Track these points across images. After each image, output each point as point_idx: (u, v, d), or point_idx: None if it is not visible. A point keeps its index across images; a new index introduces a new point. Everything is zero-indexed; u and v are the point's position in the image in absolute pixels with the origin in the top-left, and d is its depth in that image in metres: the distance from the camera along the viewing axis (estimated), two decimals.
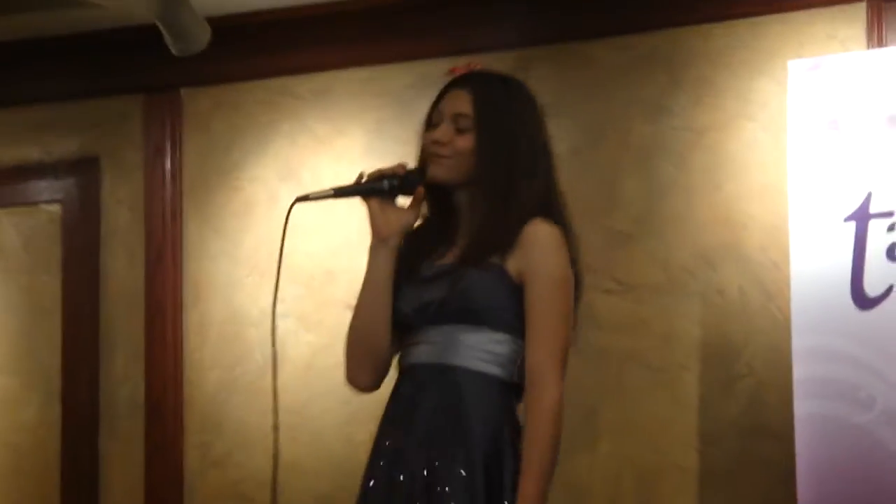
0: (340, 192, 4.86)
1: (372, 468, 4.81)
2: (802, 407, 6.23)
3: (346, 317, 6.58)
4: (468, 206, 4.82)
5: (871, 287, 6.23)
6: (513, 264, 4.75)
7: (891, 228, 6.24)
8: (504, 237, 4.76)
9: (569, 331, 4.78)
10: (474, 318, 4.75)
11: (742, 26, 6.92)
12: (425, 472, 4.73)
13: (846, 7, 6.76)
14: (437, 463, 4.73)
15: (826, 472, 6.20)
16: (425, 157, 4.82)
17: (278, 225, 6.51)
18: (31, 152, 7.84)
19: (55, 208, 7.77)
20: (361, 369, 4.88)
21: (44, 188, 7.78)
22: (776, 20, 6.87)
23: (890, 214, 6.24)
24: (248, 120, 7.57)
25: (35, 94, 7.83)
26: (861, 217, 6.27)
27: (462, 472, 4.71)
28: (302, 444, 7.33)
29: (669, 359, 6.91)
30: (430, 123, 4.84)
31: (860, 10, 6.74)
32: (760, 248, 6.83)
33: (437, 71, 6.74)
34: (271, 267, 7.09)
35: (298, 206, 4.85)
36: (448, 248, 4.82)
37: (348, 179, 6.67)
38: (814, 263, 6.31)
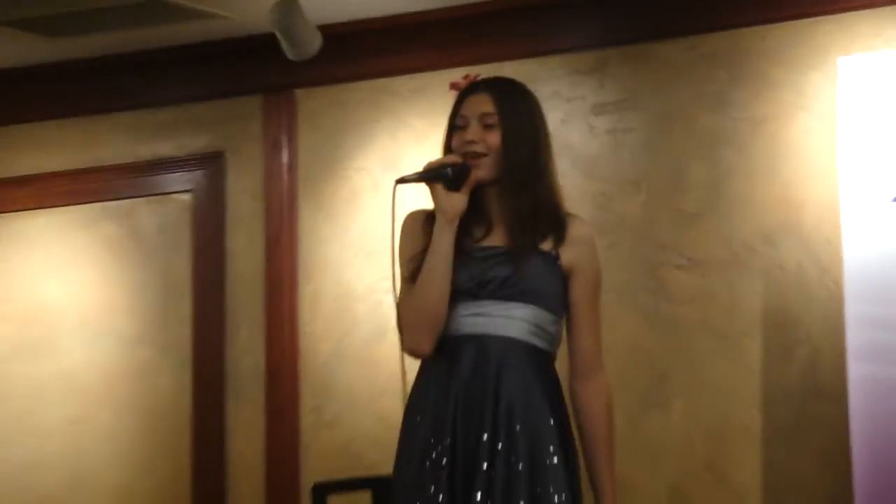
0: (422, 176, 4.62)
1: (438, 429, 4.58)
2: (856, 370, 6.03)
3: None
4: (497, 194, 4.62)
5: None
6: (565, 256, 4.62)
7: None
8: (551, 227, 4.65)
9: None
10: (532, 298, 4.59)
11: (795, 27, 6.69)
12: (504, 443, 4.53)
13: (889, 8, 6.52)
14: (513, 434, 4.54)
15: (878, 430, 5.98)
16: (459, 157, 4.68)
17: (381, 210, 6.56)
18: (165, 148, 7.69)
19: (186, 197, 7.63)
20: (426, 336, 4.58)
21: (176, 180, 7.65)
22: (826, 21, 6.64)
23: None
24: (354, 116, 7.42)
25: (168, 96, 7.68)
26: None
27: (529, 450, 4.53)
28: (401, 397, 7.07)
29: (734, 328, 6.70)
30: (456, 128, 4.69)
31: None
32: (815, 226, 6.60)
33: (519, 72, 6.53)
34: (377, 247, 7.30)
35: (399, 189, 4.63)
36: (485, 231, 4.65)
37: None
38: (864, 240, 6.13)
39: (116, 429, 7.66)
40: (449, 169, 4.61)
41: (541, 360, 4.62)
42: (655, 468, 6.75)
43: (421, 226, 4.74)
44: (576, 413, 4.66)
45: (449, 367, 4.61)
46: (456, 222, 4.61)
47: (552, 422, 4.59)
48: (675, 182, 6.86)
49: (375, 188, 7.34)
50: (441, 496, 4.55)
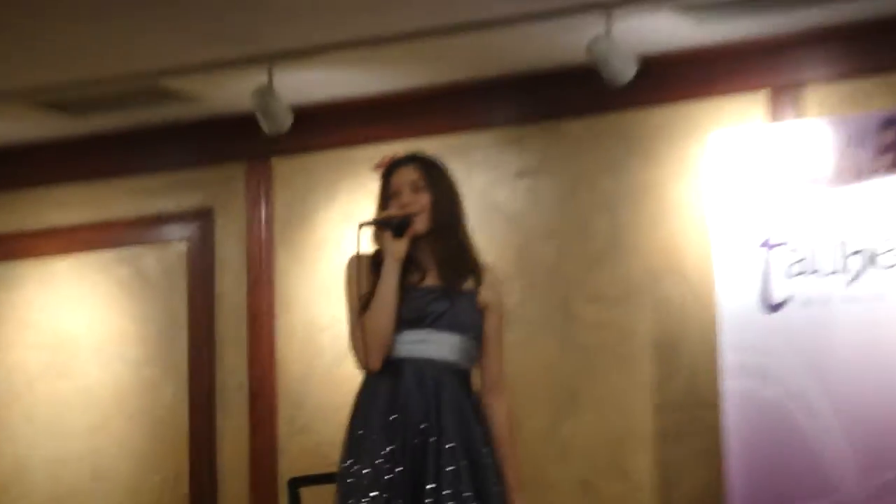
0: (377, 221, 4.75)
1: (390, 434, 4.66)
2: (728, 385, 6.23)
3: None
4: (430, 244, 4.75)
5: (775, 297, 6.21)
6: (482, 295, 4.79)
7: (789, 254, 6.20)
8: (472, 271, 4.80)
9: None
10: (462, 328, 4.73)
11: (676, 107, 6.86)
12: (441, 442, 4.65)
13: (748, 94, 6.72)
14: (448, 436, 4.65)
15: (746, 432, 6.16)
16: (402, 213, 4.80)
17: (343, 254, 6.46)
18: (165, 205, 7.74)
19: (183, 246, 7.69)
20: (377, 354, 4.66)
21: (174, 231, 7.71)
22: (700, 103, 6.81)
23: (786, 244, 6.23)
24: (320, 179, 7.48)
25: (168, 163, 7.72)
26: (767, 246, 6.23)
27: (464, 448, 4.67)
28: None
29: (630, 351, 6.85)
30: (387, 199, 4.80)
31: (763, 95, 6.72)
32: (693, 268, 6.76)
33: (454, 145, 7.06)
34: (339, 285, 7.08)
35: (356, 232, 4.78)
36: (421, 276, 4.75)
37: None
38: (733, 278, 6.28)
39: (127, 434, 7.66)
40: (395, 220, 4.72)
41: (464, 377, 4.76)
42: (569, 466, 6.81)
43: (364, 266, 4.81)
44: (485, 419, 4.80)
45: (394, 384, 4.70)
46: (401, 262, 4.71)
47: (480, 427, 4.72)
48: (582, 232, 6.96)
49: (338, 237, 7.34)
50: (387, 495, 4.62)
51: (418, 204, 4.76)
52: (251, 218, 7.58)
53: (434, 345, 4.73)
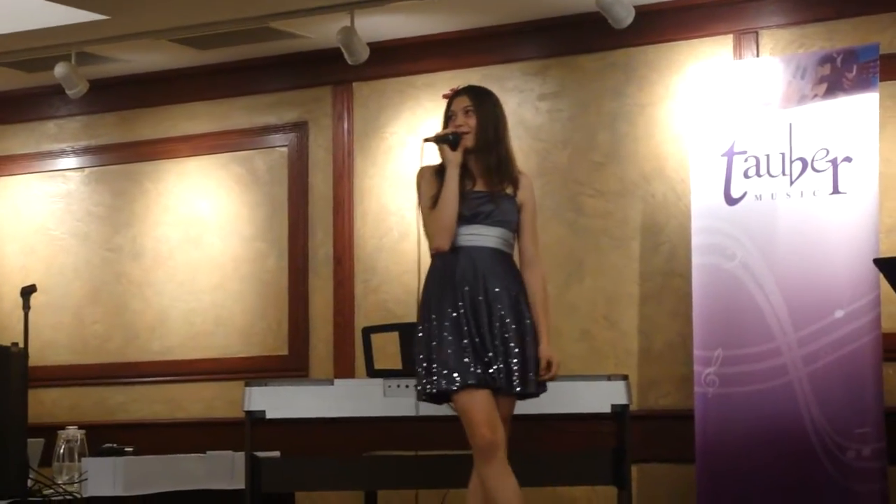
0: (434, 139, 4.88)
1: (456, 298, 4.78)
2: (697, 259, 6.29)
3: None
4: (475, 157, 4.87)
5: (735, 192, 6.25)
6: (518, 197, 4.93)
7: (746, 160, 6.24)
8: (511, 178, 4.90)
9: None
10: (503, 224, 4.87)
11: (665, 47, 6.86)
12: (498, 307, 4.80)
13: (722, 37, 6.71)
14: (497, 295, 4.81)
15: (708, 296, 6.24)
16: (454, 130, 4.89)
17: (406, 158, 7.16)
18: (271, 119, 7.70)
19: (284, 150, 7.66)
20: (446, 238, 4.79)
21: (278, 139, 7.67)
22: (684, 43, 6.80)
23: (745, 153, 6.25)
24: (389, 100, 7.44)
25: (273, 86, 7.69)
26: (729, 154, 6.29)
27: (509, 302, 4.83)
28: (421, 276, 7.07)
29: (623, 233, 6.88)
30: (448, 119, 4.91)
31: (729, 38, 6.69)
32: (674, 170, 6.78)
33: (492, 74, 6.98)
34: (402, 181, 7.26)
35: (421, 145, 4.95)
36: (472, 183, 4.86)
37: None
38: (704, 179, 6.31)
39: (242, 292, 7.67)
40: (450, 136, 4.83)
41: (506, 257, 4.87)
42: (573, 319, 6.83)
43: (431, 175, 4.90)
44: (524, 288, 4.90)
45: (454, 265, 4.81)
46: (458, 168, 4.81)
47: (521, 288, 4.84)
48: (589, 143, 6.95)
49: (402, 145, 7.36)
50: (465, 340, 4.74)
51: (467, 125, 4.84)
52: (336, 129, 7.53)
53: (483, 237, 4.83)
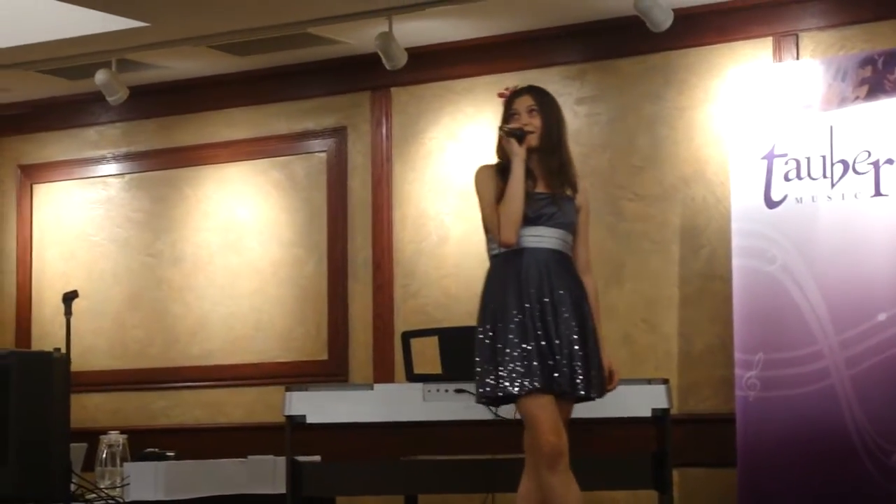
0: (507, 132, 4.80)
1: (521, 300, 4.74)
2: (737, 263, 6.29)
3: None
4: (538, 158, 4.83)
5: (775, 195, 6.25)
6: (577, 200, 4.90)
7: (786, 163, 6.22)
8: (571, 182, 4.88)
9: None
10: (564, 226, 4.83)
11: (704, 50, 6.85)
12: (556, 302, 4.76)
13: (759, 40, 6.71)
14: (555, 300, 4.76)
15: (749, 299, 6.24)
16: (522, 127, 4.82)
17: (445, 162, 7.16)
18: (310, 124, 7.73)
19: (323, 155, 7.69)
20: (515, 231, 4.71)
21: (317, 144, 7.70)
22: (723, 46, 6.79)
23: (785, 155, 6.25)
24: (427, 105, 7.46)
25: (312, 92, 7.71)
26: (770, 157, 6.27)
27: (572, 304, 4.80)
28: (460, 281, 7.25)
29: (663, 237, 6.88)
30: (511, 116, 4.84)
31: (769, 40, 6.70)
32: (714, 173, 6.78)
33: (530, 78, 6.57)
34: (442, 187, 7.31)
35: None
36: (534, 184, 4.81)
37: (483, 140, 6.84)
38: (743, 182, 6.31)
39: (281, 297, 7.70)
40: (519, 131, 4.76)
41: (567, 259, 4.82)
42: (613, 323, 6.69)
43: (492, 173, 4.83)
44: None
45: (518, 266, 4.75)
46: (524, 161, 4.74)
47: (583, 291, 4.81)
48: (628, 147, 6.95)
49: (441, 150, 7.38)
50: (531, 343, 4.68)
51: (532, 125, 4.79)
52: (375, 134, 7.54)
53: (546, 238, 4.78)
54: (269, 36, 7.14)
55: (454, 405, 5.77)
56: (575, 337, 4.73)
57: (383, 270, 7.51)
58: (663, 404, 5.73)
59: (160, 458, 5.93)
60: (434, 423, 5.87)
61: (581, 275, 4.88)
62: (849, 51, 6.46)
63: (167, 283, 8.05)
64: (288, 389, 5.86)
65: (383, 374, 7.39)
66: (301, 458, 5.89)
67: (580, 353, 4.73)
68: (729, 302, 6.32)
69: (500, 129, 4.81)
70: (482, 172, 4.87)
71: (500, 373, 4.70)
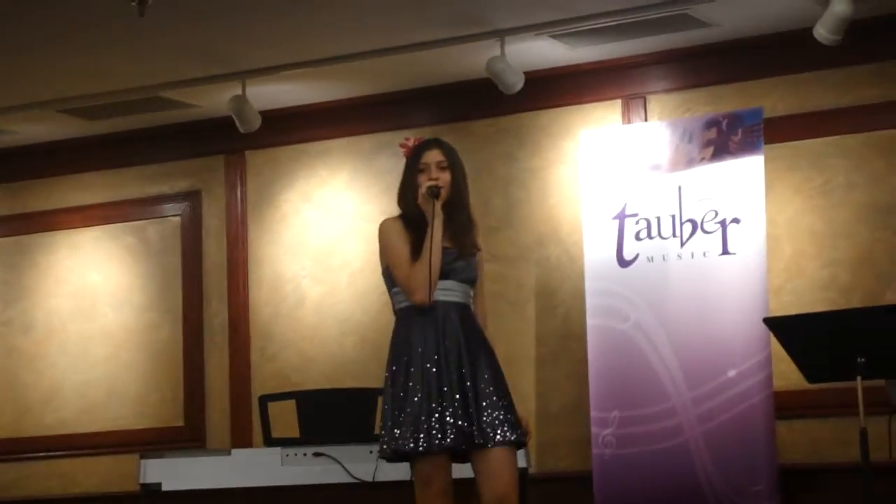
0: (429, 191, 4.66)
1: (422, 357, 4.62)
2: (591, 322, 6.35)
3: (340, 276, 6.64)
4: (446, 213, 4.71)
5: (627, 254, 6.33)
6: (477, 256, 4.83)
7: (637, 223, 6.32)
8: (473, 239, 4.82)
9: None
10: (470, 282, 4.76)
11: (556, 111, 6.92)
12: (471, 361, 4.65)
13: (611, 102, 6.80)
14: (468, 351, 4.65)
15: (604, 357, 6.29)
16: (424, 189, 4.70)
17: (299, 226, 7.08)
18: (163, 188, 7.72)
19: (177, 219, 7.69)
20: (431, 292, 4.60)
21: (171, 208, 7.70)
22: (575, 108, 6.87)
23: (636, 215, 6.33)
24: (282, 168, 7.46)
25: (165, 156, 7.69)
26: (621, 216, 6.36)
27: (482, 357, 4.70)
28: (317, 343, 7.29)
29: (519, 297, 6.91)
30: (419, 171, 4.73)
31: (618, 103, 6.79)
32: (567, 234, 6.84)
33: (384, 140, 6.98)
34: (295, 249, 7.27)
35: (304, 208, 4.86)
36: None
37: (339, 202, 7.00)
38: (596, 242, 6.38)
39: (135, 362, 7.63)
40: (437, 189, 4.63)
41: (470, 312, 4.73)
42: None
43: (400, 227, 4.70)
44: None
45: (432, 321, 4.63)
46: (443, 219, 4.64)
47: (487, 341, 4.71)
48: (484, 208, 6.86)
49: (296, 212, 7.37)
50: (443, 389, 4.56)
51: (442, 179, 4.70)
52: (230, 197, 7.54)
53: (455, 292, 4.71)
54: (120, 100, 7.11)
55: (313, 469, 5.74)
56: (491, 388, 4.61)
57: (240, 334, 7.47)
58: (522, 464, 5.60)
59: None
60: (293, 486, 5.81)
61: (479, 320, 4.81)
62: (694, 113, 6.58)
63: (18, 351, 7.95)
64: (143, 457, 5.78)
65: (241, 438, 7.32)
66: None
67: (499, 401, 4.60)
68: (585, 360, 6.35)
69: (424, 190, 4.67)
70: (390, 226, 4.75)
71: (398, 431, 4.61)
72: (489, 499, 4.58)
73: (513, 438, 4.59)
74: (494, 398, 4.61)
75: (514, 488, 4.59)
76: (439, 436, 4.55)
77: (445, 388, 4.59)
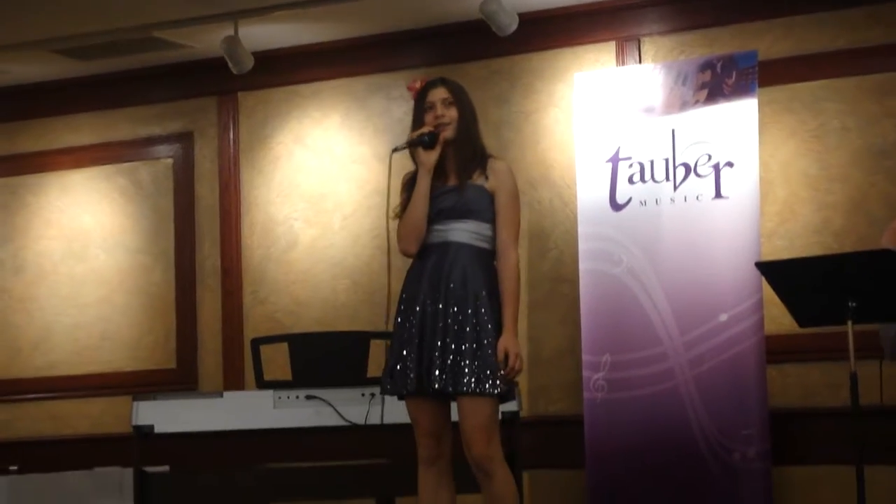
0: (408, 144, 4.73)
1: (406, 302, 4.71)
2: (584, 266, 6.35)
3: (333, 219, 6.61)
4: (452, 151, 4.76)
5: (620, 198, 6.32)
6: (489, 185, 4.76)
7: (630, 166, 6.30)
8: (480, 168, 4.77)
9: (518, 221, 4.81)
10: (472, 214, 4.73)
11: (550, 53, 6.89)
12: (452, 305, 4.66)
13: (605, 44, 6.78)
14: (457, 299, 4.66)
15: (596, 301, 6.30)
16: (432, 127, 4.74)
17: (293, 168, 7.03)
18: (156, 129, 7.68)
19: (169, 161, 7.65)
20: (411, 243, 4.70)
21: (163, 150, 7.66)
22: (568, 50, 6.85)
23: (629, 158, 6.32)
24: (275, 109, 7.44)
25: (158, 97, 7.66)
26: (614, 160, 6.35)
27: (469, 303, 4.68)
28: (309, 287, 7.30)
29: None
30: (425, 111, 4.78)
31: (612, 45, 6.77)
32: (560, 177, 6.83)
33: (377, 82, 6.96)
34: (289, 192, 7.28)
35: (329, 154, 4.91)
36: (444, 179, 4.77)
37: (331, 144, 6.93)
38: (589, 186, 6.37)
39: (128, 305, 7.63)
40: (426, 136, 4.68)
41: (483, 254, 4.70)
42: None
43: (407, 180, 4.79)
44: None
45: (423, 263, 4.71)
46: (431, 170, 4.69)
47: (483, 283, 4.65)
48: None
49: (288, 154, 7.35)
50: (415, 338, 4.64)
51: (448, 116, 4.73)
52: (222, 139, 7.51)
53: (452, 231, 4.70)
54: (113, 39, 7.07)
55: (305, 412, 5.77)
56: (469, 336, 4.62)
57: (232, 277, 7.45)
58: (513, 407, 5.67)
59: (3, 472, 5.81)
60: (285, 429, 5.85)
61: (498, 258, 4.74)
62: (689, 55, 6.55)
63: (8, 293, 7.94)
64: (135, 399, 5.80)
65: (233, 381, 7.33)
66: (149, 469, 5.82)
67: (477, 350, 4.61)
68: (577, 304, 6.35)
69: (395, 149, 4.75)
70: (402, 180, 4.85)
71: (396, 369, 4.72)
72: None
73: (477, 391, 4.60)
74: (472, 346, 4.60)
75: (478, 437, 4.63)
76: (405, 381, 4.67)
77: (415, 333, 4.66)
